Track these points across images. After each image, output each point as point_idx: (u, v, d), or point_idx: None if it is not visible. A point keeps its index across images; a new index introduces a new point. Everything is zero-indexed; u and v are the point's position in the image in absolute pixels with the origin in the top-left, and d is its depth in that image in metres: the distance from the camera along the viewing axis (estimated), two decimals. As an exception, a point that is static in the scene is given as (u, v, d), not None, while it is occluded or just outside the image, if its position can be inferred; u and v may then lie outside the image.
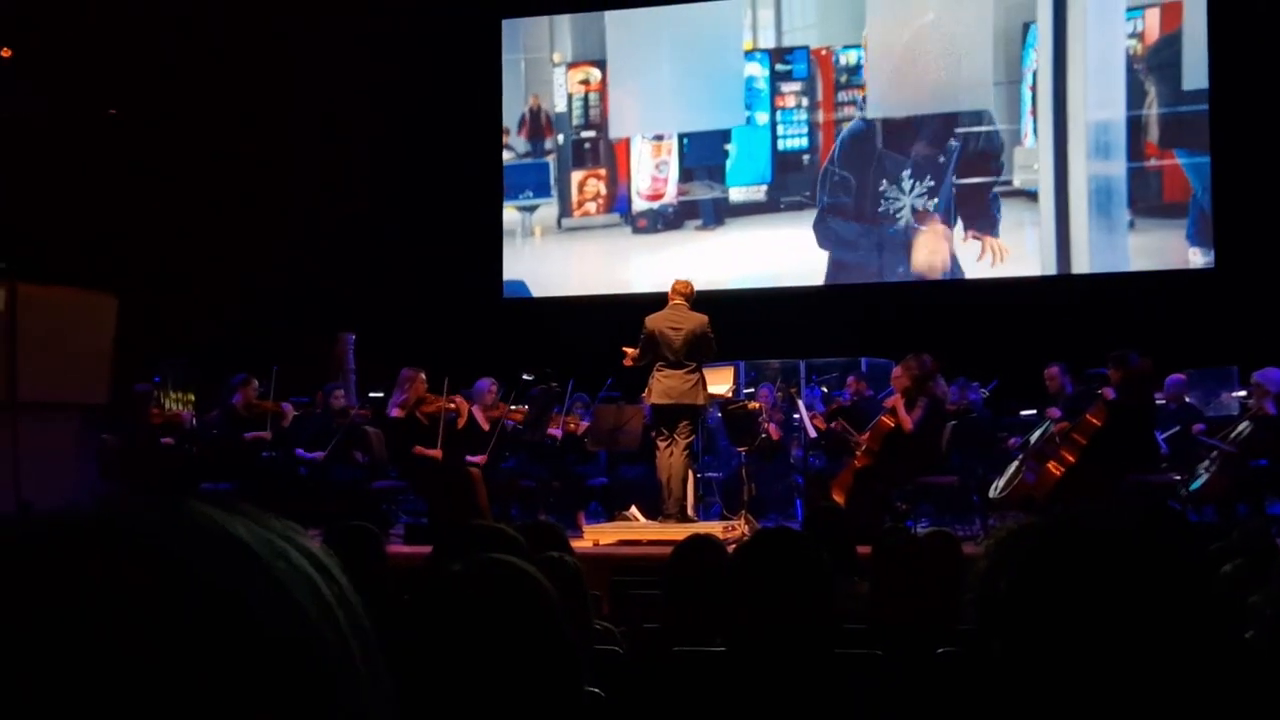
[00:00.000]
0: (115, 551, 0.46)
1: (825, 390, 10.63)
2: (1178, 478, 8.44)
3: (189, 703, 0.44)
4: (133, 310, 11.69)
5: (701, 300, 8.65)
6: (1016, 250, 12.20)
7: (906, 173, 12.45)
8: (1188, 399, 9.66)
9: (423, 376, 9.17)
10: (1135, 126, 11.91)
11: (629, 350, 8.54)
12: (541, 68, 13.66)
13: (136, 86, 12.82)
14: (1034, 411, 9.42)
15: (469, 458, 9.01)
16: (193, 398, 10.88)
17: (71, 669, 0.43)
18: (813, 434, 9.56)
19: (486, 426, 9.30)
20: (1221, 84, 11.42)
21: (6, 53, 11.38)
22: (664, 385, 8.41)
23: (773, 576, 2.50)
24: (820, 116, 12.84)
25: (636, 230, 13.42)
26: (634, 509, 9.01)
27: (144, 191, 12.72)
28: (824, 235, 12.74)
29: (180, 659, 0.44)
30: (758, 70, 13.04)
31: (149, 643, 0.44)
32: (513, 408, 9.63)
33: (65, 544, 0.46)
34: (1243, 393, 9.46)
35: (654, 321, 8.48)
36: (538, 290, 13.47)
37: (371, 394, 10.07)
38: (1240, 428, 8.38)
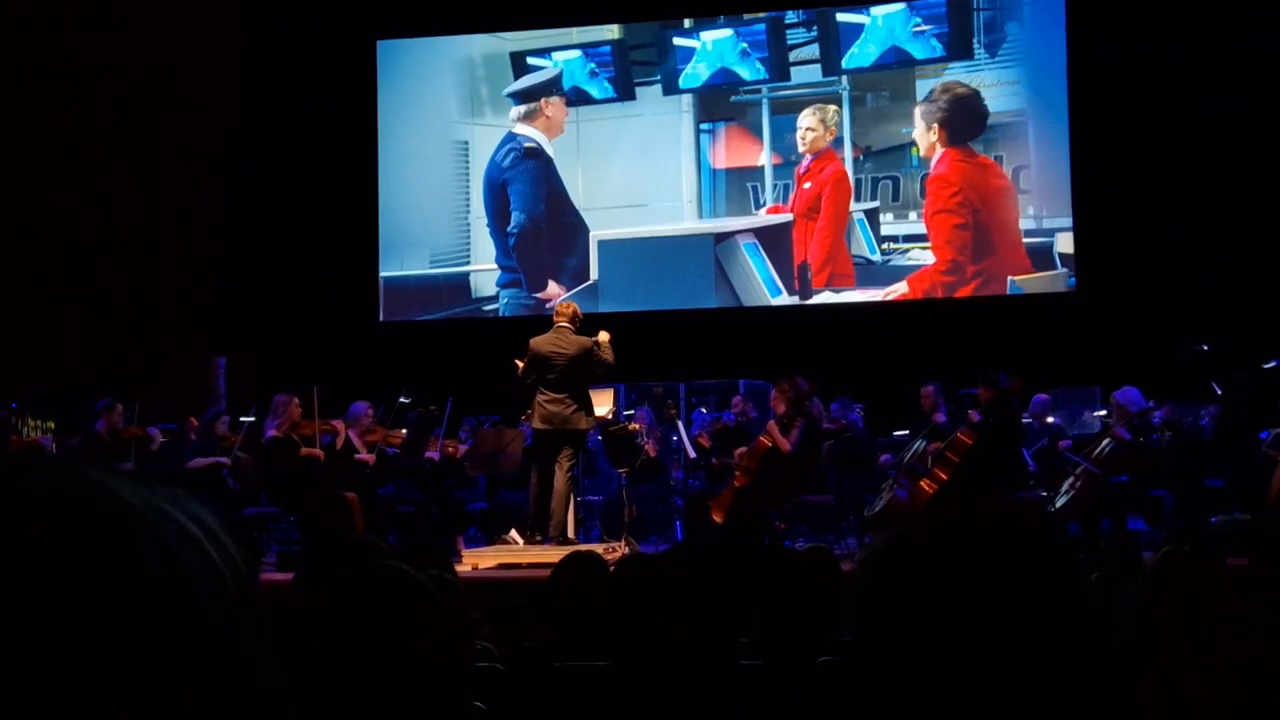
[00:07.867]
0: None
1: (704, 411, 10.70)
2: (1045, 494, 8.70)
3: (74, 658, 0.41)
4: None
5: (585, 323, 8.62)
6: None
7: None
8: (1051, 419, 9.97)
9: (296, 400, 9.01)
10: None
11: (520, 362, 8.46)
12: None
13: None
14: (908, 431, 9.62)
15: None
16: (53, 425, 10.50)
17: None
18: (693, 455, 9.60)
19: (364, 450, 9.16)
20: (1079, 109, 11.85)
21: None
22: (545, 411, 8.30)
23: (650, 597, 2.48)
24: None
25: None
26: (514, 533, 8.93)
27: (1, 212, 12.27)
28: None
29: (67, 614, 0.42)
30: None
31: (36, 604, 0.42)
32: (390, 432, 9.48)
33: None
34: (1104, 412, 9.81)
35: (538, 344, 8.41)
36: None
37: (243, 419, 9.81)
38: (1102, 445, 8.68)
